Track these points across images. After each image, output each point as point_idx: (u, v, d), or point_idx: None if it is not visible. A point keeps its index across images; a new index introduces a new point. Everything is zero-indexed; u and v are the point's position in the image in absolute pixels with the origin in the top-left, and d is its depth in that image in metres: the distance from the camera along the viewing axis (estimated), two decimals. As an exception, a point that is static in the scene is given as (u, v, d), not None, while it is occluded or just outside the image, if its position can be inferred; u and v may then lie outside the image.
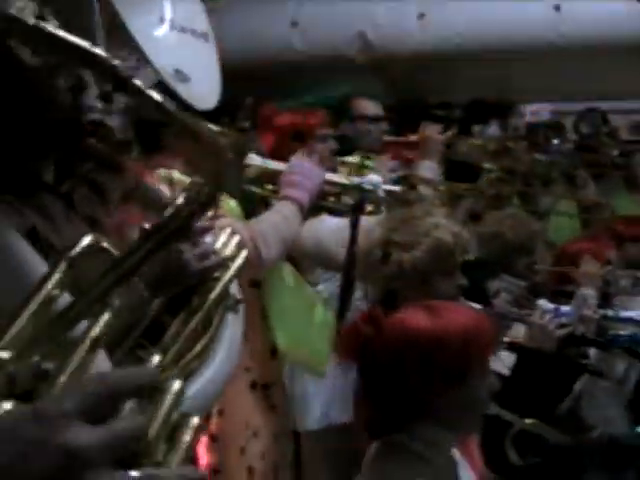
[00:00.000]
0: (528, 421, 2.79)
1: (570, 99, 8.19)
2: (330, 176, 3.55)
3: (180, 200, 0.97)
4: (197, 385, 1.76)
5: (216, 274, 1.86)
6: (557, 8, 6.13)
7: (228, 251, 1.99)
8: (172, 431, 0.85)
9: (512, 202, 5.60)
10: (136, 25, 3.15)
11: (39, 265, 1.46)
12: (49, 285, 0.95)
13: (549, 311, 3.41)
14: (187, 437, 0.86)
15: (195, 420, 0.87)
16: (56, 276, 0.97)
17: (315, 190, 3.26)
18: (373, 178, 3.56)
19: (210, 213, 2.07)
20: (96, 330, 0.93)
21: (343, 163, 4.46)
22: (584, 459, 2.90)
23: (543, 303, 3.60)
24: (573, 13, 6.15)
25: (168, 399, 0.85)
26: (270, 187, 3.36)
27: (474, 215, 4.94)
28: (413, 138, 5.79)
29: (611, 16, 6.19)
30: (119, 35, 2.93)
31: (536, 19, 6.24)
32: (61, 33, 0.89)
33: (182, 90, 2.85)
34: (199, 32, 3.61)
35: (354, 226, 3.40)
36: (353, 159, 4.47)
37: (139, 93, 0.92)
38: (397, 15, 6.48)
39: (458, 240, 3.09)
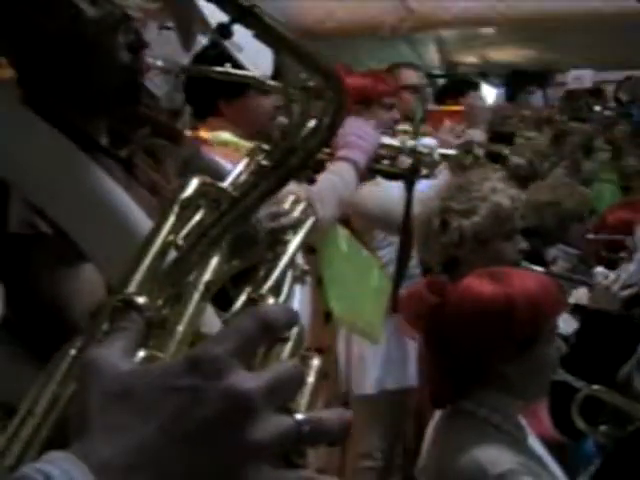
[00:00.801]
0: (595, 387, 2.74)
1: (611, 67, 8.12)
2: (385, 139, 3.50)
3: (300, 132, 0.93)
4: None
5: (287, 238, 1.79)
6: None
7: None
8: None
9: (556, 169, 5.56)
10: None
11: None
12: (165, 230, 0.90)
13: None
14: (311, 379, 0.81)
15: (316, 361, 0.83)
16: (170, 220, 0.91)
17: (371, 151, 3.22)
18: (428, 141, 3.52)
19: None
20: (207, 274, 0.89)
21: (403, 132, 4.44)
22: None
23: (601, 270, 3.55)
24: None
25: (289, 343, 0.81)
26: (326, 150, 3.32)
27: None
28: (457, 107, 5.79)
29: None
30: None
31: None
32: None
33: (240, 57, 2.82)
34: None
35: (409, 189, 3.37)
36: (405, 127, 4.45)
37: (263, 25, 0.88)
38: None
39: (516, 203, 3.05)
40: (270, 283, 1.53)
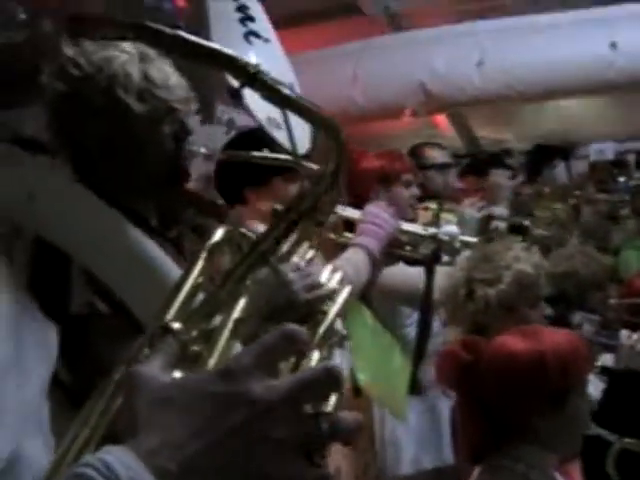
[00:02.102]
0: (628, 440, 2.78)
1: (632, 137, 8.21)
2: (407, 226, 3.60)
3: (306, 182, 1.06)
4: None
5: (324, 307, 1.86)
6: (613, 45, 6.14)
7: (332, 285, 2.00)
8: None
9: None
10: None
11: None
12: (195, 272, 1.03)
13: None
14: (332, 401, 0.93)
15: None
16: (199, 264, 1.05)
17: (387, 238, 3.28)
18: (450, 229, 3.62)
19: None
20: (236, 313, 1.01)
21: (426, 208, 4.55)
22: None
23: (625, 332, 3.62)
24: (629, 49, 6.16)
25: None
26: (348, 235, 3.41)
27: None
28: (480, 185, 5.92)
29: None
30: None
31: (593, 58, 6.25)
32: (197, 39, 0.98)
33: (278, 136, 2.94)
34: (285, 83, 3.71)
35: (429, 276, 3.46)
36: (433, 205, 4.57)
37: (268, 87, 1.01)
38: (456, 63, 6.54)
39: (539, 270, 3.12)
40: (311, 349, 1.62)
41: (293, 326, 0.87)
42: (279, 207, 1.10)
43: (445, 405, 3.79)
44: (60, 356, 1.42)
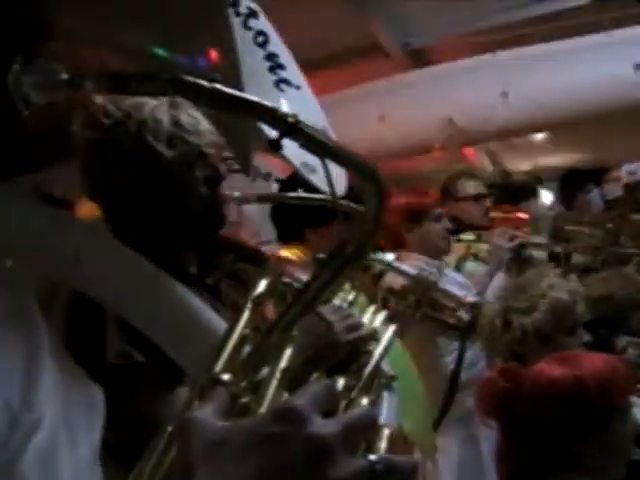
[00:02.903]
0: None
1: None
2: (450, 288, 3.64)
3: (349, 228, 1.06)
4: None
5: (368, 348, 1.83)
6: (637, 67, 6.13)
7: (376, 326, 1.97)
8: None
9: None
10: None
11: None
12: (241, 324, 1.04)
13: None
14: (383, 444, 0.94)
15: (387, 431, 0.95)
16: (245, 315, 1.06)
17: None
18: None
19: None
20: (283, 363, 1.02)
21: (459, 240, 4.55)
22: None
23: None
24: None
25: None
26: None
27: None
28: (521, 214, 5.90)
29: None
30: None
31: (617, 80, 6.23)
32: (235, 92, 0.99)
33: (314, 180, 2.97)
34: (319, 127, 3.74)
35: (463, 344, 3.51)
36: (467, 236, 4.57)
37: (307, 136, 1.02)
38: (480, 95, 6.55)
39: (575, 297, 3.11)
40: (357, 391, 1.62)
41: (333, 381, 0.91)
42: (322, 255, 1.10)
43: (486, 434, 3.78)
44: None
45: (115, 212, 1.99)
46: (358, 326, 1.88)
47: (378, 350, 1.71)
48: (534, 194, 6.94)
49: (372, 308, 1.97)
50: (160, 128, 1.93)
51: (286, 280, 1.12)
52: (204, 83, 0.97)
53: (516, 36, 7.01)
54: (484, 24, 7.11)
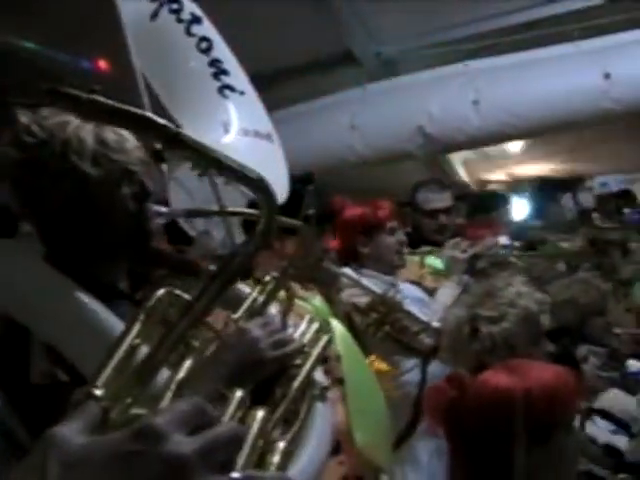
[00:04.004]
0: (621, 476, 2.75)
1: (636, 166, 8.23)
2: (413, 311, 3.65)
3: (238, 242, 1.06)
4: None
5: (298, 361, 1.83)
6: (607, 76, 6.15)
7: (307, 338, 1.95)
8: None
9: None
10: (199, 129, 3.30)
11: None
12: (131, 334, 1.04)
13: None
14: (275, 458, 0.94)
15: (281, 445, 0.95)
16: (137, 326, 1.05)
17: None
18: None
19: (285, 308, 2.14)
20: (180, 374, 1.01)
21: (413, 253, 4.55)
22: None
23: (633, 363, 3.59)
24: (623, 79, 6.17)
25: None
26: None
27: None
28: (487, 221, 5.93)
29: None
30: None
31: (588, 89, 6.26)
32: (114, 103, 0.98)
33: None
34: (263, 133, 3.74)
35: (424, 368, 3.52)
36: (422, 250, 4.59)
37: (190, 147, 1.01)
38: (452, 104, 6.57)
39: (541, 306, 3.10)
40: (284, 406, 1.61)
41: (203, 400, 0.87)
42: (212, 268, 1.10)
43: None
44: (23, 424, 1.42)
45: (45, 230, 1.98)
46: (285, 342, 1.88)
47: (309, 362, 1.70)
48: (505, 203, 6.98)
49: (307, 318, 1.96)
50: (84, 147, 1.91)
51: (178, 292, 1.11)
52: (82, 94, 0.94)
53: (487, 46, 7.05)
54: (456, 34, 7.14)
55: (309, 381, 1.73)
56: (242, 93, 3.75)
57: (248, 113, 3.71)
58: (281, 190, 3.04)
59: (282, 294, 2.04)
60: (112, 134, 1.95)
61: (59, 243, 1.96)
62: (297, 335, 1.96)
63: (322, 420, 1.70)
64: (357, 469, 3.22)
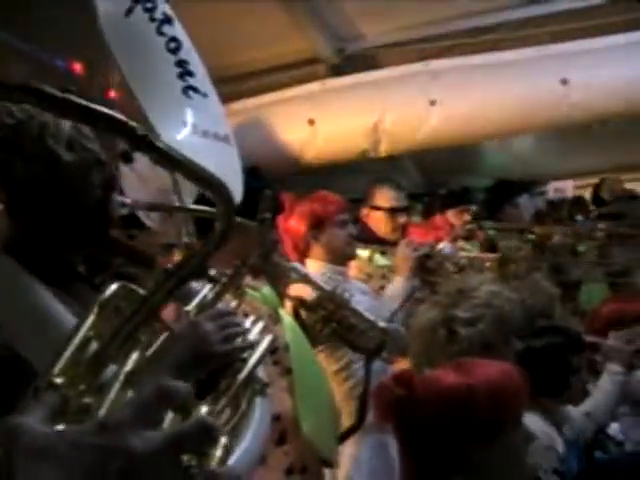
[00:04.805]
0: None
1: (589, 173, 8.33)
2: (363, 309, 3.67)
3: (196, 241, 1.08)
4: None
5: (244, 356, 1.88)
6: (564, 82, 6.22)
7: (253, 336, 2.01)
8: None
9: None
10: (161, 126, 3.33)
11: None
12: (85, 327, 1.05)
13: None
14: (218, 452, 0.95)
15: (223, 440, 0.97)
16: (90, 319, 1.06)
17: None
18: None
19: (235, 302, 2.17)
20: (128, 366, 1.02)
21: (364, 249, 4.58)
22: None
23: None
24: (581, 85, 6.24)
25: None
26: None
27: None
28: (437, 222, 5.96)
29: (619, 84, 6.28)
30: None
31: (545, 95, 6.32)
32: (87, 103, 0.98)
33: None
34: (221, 135, 3.78)
35: (368, 367, 3.54)
36: (365, 252, 4.61)
37: (157, 150, 1.02)
38: (411, 103, 6.59)
39: (512, 305, 3.12)
40: (227, 398, 1.64)
41: (170, 382, 0.88)
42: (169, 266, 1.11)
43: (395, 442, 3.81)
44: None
45: (14, 210, 2.01)
46: (234, 337, 1.93)
47: (252, 359, 1.73)
48: (461, 203, 7.02)
49: (251, 318, 2.00)
50: (61, 132, 1.96)
51: (133, 287, 1.12)
52: (55, 92, 0.96)
53: (449, 47, 7.09)
54: (417, 34, 7.17)
55: (252, 376, 1.76)
56: (205, 95, 3.79)
57: (209, 115, 3.76)
58: (236, 192, 3.06)
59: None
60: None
61: (26, 223, 1.99)
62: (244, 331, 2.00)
63: (261, 415, 1.73)
64: (302, 459, 3.24)
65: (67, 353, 1.00)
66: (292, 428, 3.14)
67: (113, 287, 1.11)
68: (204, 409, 0.99)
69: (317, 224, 4.28)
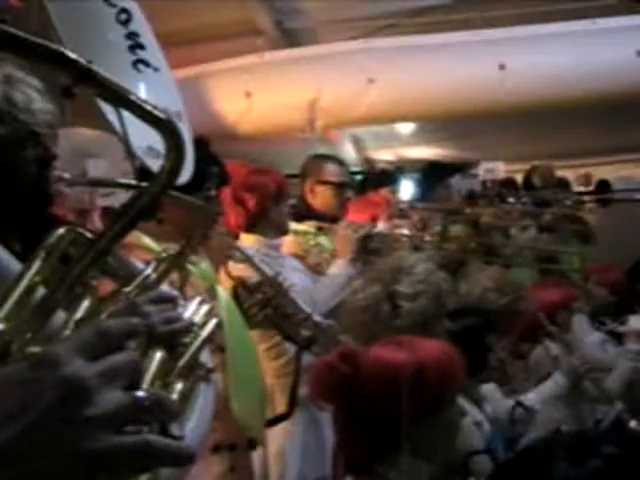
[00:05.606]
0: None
1: (521, 157, 8.41)
2: (296, 297, 3.70)
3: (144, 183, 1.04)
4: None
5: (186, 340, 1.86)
6: (502, 67, 6.26)
7: (198, 319, 2.00)
8: None
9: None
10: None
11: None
12: (31, 272, 1.01)
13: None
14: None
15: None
16: (36, 264, 1.02)
17: None
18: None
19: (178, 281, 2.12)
20: (78, 314, 0.99)
21: (296, 232, 4.54)
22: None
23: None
24: (518, 71, 6.30)
25: None
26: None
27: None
28: (374, 199, 5.96)
29: (555, 72, 6.35)
30: (93, 112, 3.01)
31: (482, 78, 6.36)
32: (22, 33, 0.94)
33: (154, 165, 2.91)
34: (173, 111, 3.69)
35: (298, 356, 3.59)
36: (305, 227, 4.59)
37: (101, 84, 0.98)
38: (347, 81, 6.58)
39: (447, 285, 3.15)
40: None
41: (109, 323, 0.88)
42: (116, 207, 1.08)
43: (327, 417, 3.81)
44: None
45: None
46: (175, 319, 1.87)
47: (196, 342, 1.70)
48: (393, 182, 7.05)
49: (197, 300, 1.95)
50: None
51: (80, 231, 1.08)
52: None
53: (388, 26, 7.09)
54: (358, 11, 7.15)
55: (195, 361, 1.73)
56: (156, 69, 3.71)
57: (160, 90, 3.67)
58: (187, 170, 2.99)
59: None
60: (20, 94, 1.90)
61: None
62: (188, 314, 1.95)
63: (204, 401, 1.70)
64: (231, 437, 3.22)
65: (11, 299, 0.97)
66: (222, 405, 3.11)
67: (60, 231, 1.07)
68: (159, 354, 0.96)
69: (273, 199, 4.23)
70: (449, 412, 2.42)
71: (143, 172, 2.77)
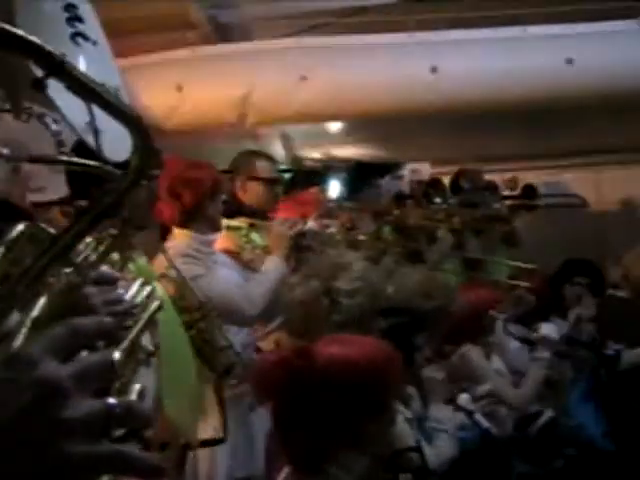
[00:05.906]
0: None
1: (449, 160, 8.49)
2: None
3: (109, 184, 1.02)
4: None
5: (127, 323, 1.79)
6: (434, 70, 6.32)
7: (138, 301, 1.91)
8: None
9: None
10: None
11: None
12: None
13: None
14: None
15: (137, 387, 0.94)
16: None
17: None
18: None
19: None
20: (35, 311, 0.97)
21: (228, 228, 4.50)
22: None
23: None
24: (450, 74, 6.36)
25: None
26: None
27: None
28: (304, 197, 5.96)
29: (486, 77, 6.43)
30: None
31: (414, 80, 6.41)
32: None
33: (93, 142, 2.86)
34: (112, 87, 3.62)
35: (219, 387, 3.63)
36: (237, 223, 4.56)
37: (74, 78, 0.95)
38: (280, 78, 6.57)
39: (383, 284, 3.16)
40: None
41: (82, 321, 0.85)
42: (82, 204, 1.06)
43: (257, 415, 3.81)
44: None
45: None
46: (116, 301, 1.83)
47: (137, 325, 1.66)
48: (321, 181, 7.06)
49: (139, 281, 1.91)
50: None
51: (43, 226, 1.05)
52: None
53: (322, 24, 7.09)
54: (293, 9, 7.14)
55: (136, 344, 1.69)
56: (95, 43, 3.64)
57: (98, 64, 3.61)
58: (125, 144, 2.95)
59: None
60: None
61: None
62: (128, 296, 1.91)
63: (144, 385, 1.67)
64: (162, 435, 3.19)
65: None
66: (154, 404, 3.08)
67: (20, 227, 1.04)
68: (117, 354, 0.94)
69: (209, 195, 4.17)
70: (392, 410, 2.44)
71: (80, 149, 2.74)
